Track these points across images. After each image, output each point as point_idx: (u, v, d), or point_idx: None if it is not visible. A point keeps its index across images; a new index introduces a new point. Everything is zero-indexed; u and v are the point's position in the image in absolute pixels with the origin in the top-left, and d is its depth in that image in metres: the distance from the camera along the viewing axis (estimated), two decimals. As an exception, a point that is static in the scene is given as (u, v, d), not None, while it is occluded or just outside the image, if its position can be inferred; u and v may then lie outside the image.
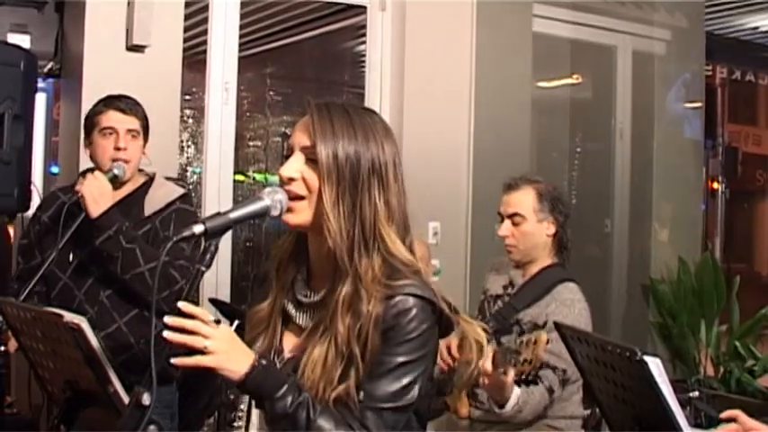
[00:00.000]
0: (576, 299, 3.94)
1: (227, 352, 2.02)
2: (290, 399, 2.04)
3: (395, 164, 2.21)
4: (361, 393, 2.10)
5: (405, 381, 2.11)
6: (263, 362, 2.06)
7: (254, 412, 2.25)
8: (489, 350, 3.50)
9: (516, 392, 3.53)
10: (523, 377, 3.42)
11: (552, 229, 4.02)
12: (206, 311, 2.04)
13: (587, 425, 4.15)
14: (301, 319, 2.27)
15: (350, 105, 2.24)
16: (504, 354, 3.44)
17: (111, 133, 3.75)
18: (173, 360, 2.02)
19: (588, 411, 4.14)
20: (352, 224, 2.13)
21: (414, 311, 2.11)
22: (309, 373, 2.13)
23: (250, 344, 2.27)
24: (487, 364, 3.46)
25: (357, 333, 2.10)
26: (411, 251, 2.23)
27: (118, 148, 3.74)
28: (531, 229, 4.01)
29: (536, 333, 3.44)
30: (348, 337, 2.10)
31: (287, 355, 2.26)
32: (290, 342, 2.28)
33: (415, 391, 2.13)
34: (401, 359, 2.11)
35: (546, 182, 4.13)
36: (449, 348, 3.90)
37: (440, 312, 2.18)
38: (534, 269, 4.06)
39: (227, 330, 2.04)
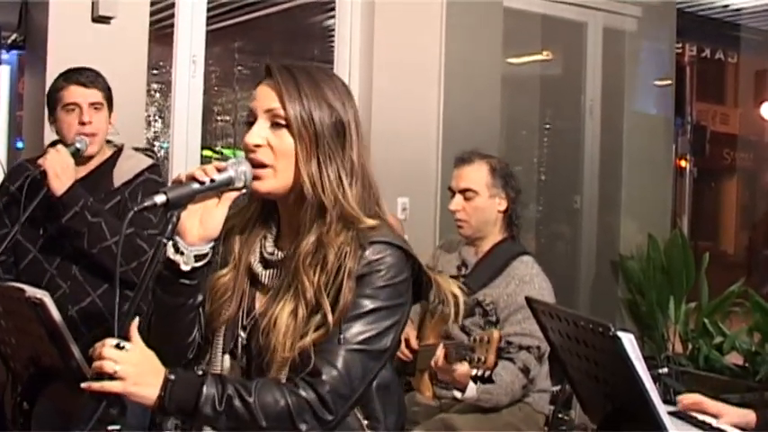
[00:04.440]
0: (534, 273, 3.93)
1: (136, 376, 1.95)
2: (215, 398, 2.00)
3: (356, 122, 2.24)
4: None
5: (376, 327, 2.11)
6: (173, 376, 2.00)
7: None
8: (441, 346, 3.50)
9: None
10: (479, 375, 3.39)
11: (504, 205, 4.02)
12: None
13: (558, 401, 4.15)
14: (268, 277, 2.27)
15: (310, 66, 2.26)
16: (457, 349, 3.42)
17: (74, 109, 3.70)
18: (82, 385, 1.96)
19: (557, 387, 4.14)
20: (327, 183, 2.14)
21: (389, 260, 2.13)
22: (272, 329, 2.12)
23: (217, 311, 2.28)
24: (440, 359, 3.45)
25: (326, 287, 2.10)
26: (378, 205, 2.27)
27: (83, 123, 3.69)
28: (483, 204, 3.99)
29: (489, 331, 3.41)
30: (315, 292, 2.10)
31: (257, 313, 2.25)
32: (260, 301, 2.27)
33: (388, 340, 2.13)
34: (374, 305, 2.11)
35: (498, 157, 4.12)
36: (407, 341, 3.91)
37: (417, 265, 2.20)
38: (486, 246, 4.05)
39: (134, 354, 1.98)
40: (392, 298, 2.13)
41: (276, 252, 2.27)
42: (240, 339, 2.27)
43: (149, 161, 3.87)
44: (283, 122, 2.14)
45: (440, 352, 3.47)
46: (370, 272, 2.11)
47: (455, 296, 2.27)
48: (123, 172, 3.78)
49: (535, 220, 7.62)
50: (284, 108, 2.13)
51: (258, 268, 2.28)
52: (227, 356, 2.28)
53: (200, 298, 2.25)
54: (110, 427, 2.02)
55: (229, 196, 2.17)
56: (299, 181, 2.15)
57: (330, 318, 2.08)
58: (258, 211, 2.33)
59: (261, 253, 2.30)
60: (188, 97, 5.44)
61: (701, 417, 2.97)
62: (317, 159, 2.14)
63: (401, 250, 2.15)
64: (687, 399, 3.01)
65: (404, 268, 2.16)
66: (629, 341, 2.45)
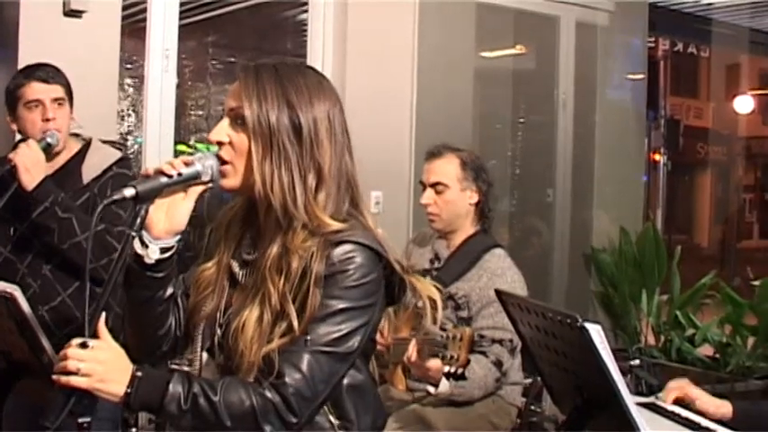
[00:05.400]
0: (506, 266, 3.94)
1: (102, 373, 1.95)
2: (180, 396, 2.00)
3: (329, 122, 2.22)
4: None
5: (344, 328, 2.08)
6: (140, 373, 2.00)
7: None
8: (414, 342, 3.50)
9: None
10: (452, 372, 3.39)
11: (475, 198, 4.02)
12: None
13: (530, 393, 4.17)
14: (244, 277, 2.26)
15: (282, 64, 2.22)
16: (430, 346, 3.42)
17: (37, 105, 3.62)
18: (52, 377, 1.96)
19: (530, 380, 4.15)
20: (279, 187, 2.11)
21: (357, 260, 2.10)
22: (240, 333, 2.11)
23: (199, 305, 2.29)
24: (413, 355, 3.45)
25: (291, 291, 2.08)
26: (357, 208, 2.23)
27: (47, 119, 3.63)
28: (454, 197, 3.99)
29: (461, 328, 3.41)
30: (280, 298, 2.09)
31: (231, 312, 2.24)
32: (236, 299, 2.26)
33: (355, 341, 2.10)
34: (342, 305, 2.08)
35: (468, 150, 4.12)
36: (380, 332, 3.89)
37: (390, 268, 2.17)
38: (458, 239, 4.05)
39: (100, 352, 1.98)
40: (360, 299, 2.10)
41: (252, 252, 2.26)
42: (217, 337, 2.26)
43: (118, 154, 3.82)
44: (242, 121, 2.13)
45: (412, 347, 3.47)
46: (337, 272, 2.08)
47: (432, 300, 2.24)
48: (92, 167, 3.73)
49: (509, 213, 7.63)
50: (242, 107, 2.12)
51: (236, 268, 2.28)
52: (205, 352, 2.28)
53: (170, 290, 2.25)
54: (80, 419, 2.02)
55: (196, 190, 2.17)
56: (254, 180, 2.13)
57: (296, 325, 2.06)
58: (243, 208, 2.31)
59: (240, 251, 2.29)
60: (161, 92, 5.42)
61: (670, 407, 3.00)
62: (270, 160, 2.11)
63: (371, 250, 2.12)
64: (672, 386, 3.05)
65: (374, 269, 2.12)
66: (596, 332, 2.45)
